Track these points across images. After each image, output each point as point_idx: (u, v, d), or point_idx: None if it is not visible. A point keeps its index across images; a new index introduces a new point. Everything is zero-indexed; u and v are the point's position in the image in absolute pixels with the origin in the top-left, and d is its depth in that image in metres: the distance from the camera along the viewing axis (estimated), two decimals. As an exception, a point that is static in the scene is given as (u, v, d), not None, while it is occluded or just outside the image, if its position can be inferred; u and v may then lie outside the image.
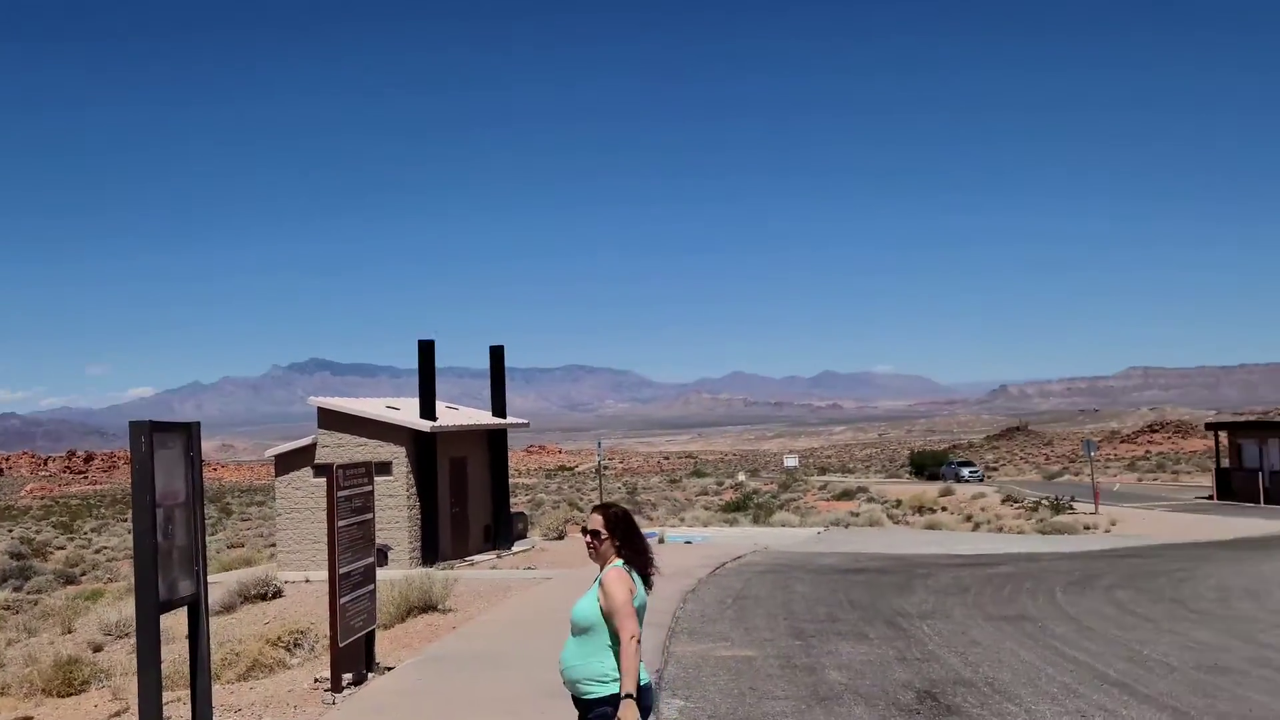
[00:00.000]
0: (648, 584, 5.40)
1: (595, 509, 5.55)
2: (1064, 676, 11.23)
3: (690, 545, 29.66)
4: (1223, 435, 54.98)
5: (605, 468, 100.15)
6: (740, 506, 49.41)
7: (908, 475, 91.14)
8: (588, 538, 5.45)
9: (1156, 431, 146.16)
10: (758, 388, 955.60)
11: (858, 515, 41.54)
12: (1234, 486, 50.37)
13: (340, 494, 11.41)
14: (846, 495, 57.66)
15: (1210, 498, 51.77)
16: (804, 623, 15.42)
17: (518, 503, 55.95)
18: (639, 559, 5.38)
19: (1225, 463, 52.79)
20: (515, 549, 29.69)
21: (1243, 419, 67.96)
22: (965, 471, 78.99)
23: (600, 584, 5.26)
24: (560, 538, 32.70)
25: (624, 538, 5.38)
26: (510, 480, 36.47)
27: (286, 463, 28.13)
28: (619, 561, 5.33)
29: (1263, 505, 45.59)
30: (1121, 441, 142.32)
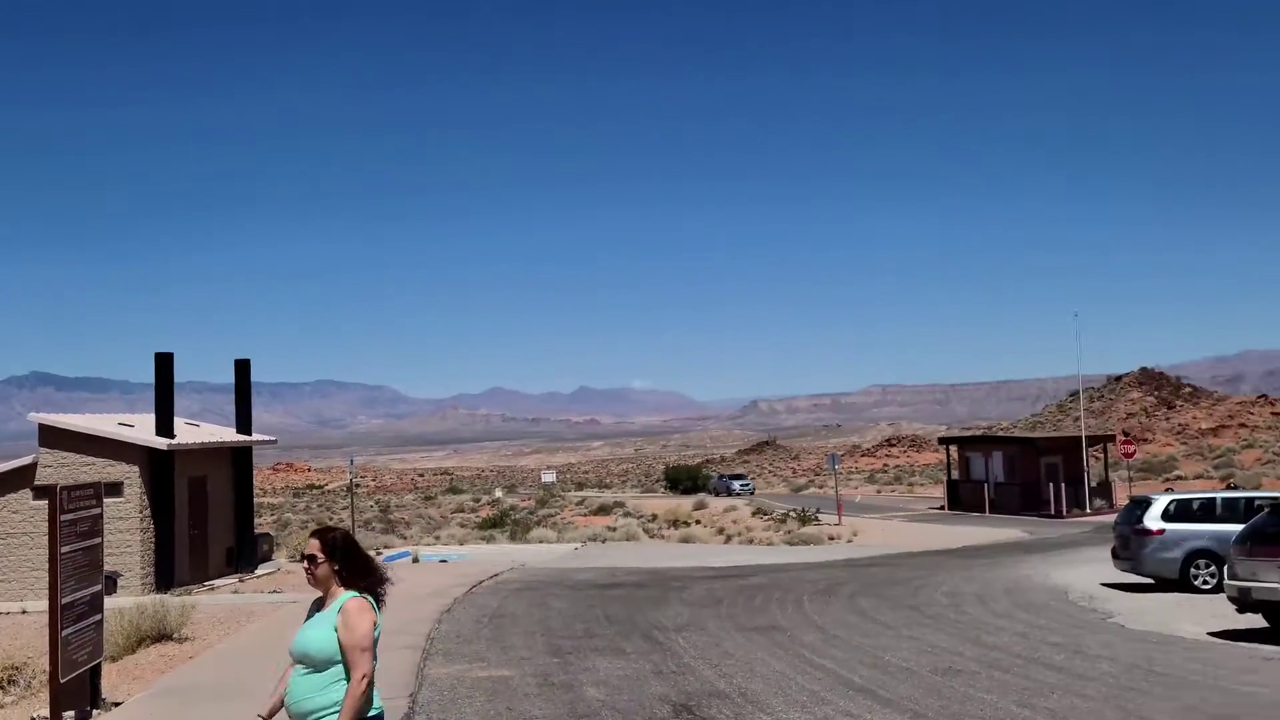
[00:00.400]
0: (380, 603, 5.07)
1: (313, 534, 5.19)
2: (812, 684, 11.52)
3: (446, 564, 29.11)
4: (953, 449, 58.67)
5: (357, 485, 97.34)
6: (497, 523, 48.93)
7: (663, 490, 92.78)
8: (304, 563, 5.08)
9: (894, 445, 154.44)
10: (516, 403, 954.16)
11: (615, 530, 41.87)
12: (962, 497, 53.72)
13: (64, 517, 10.53)
14: (604, 510, 58.10)
15: (942, 508, 54.96)
16: (561, 639, 15.28)
17: (263, 523, 53.52)
18: (367, 580, 5.03)
19: (955, 475, 56.28)
20: (259, 572, 28.37)
21: (970, 434, 72.66)
22: (737, 485, 79.55)
23: (341, 614, 4.89)
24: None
25: (344, 561, 5.01)
26: (255, 500, 34.80)
27: (1, 484, 25.87)
28: (352, 592, 4.98)
29: (988, 514, 48.81)
30: (863, 455, 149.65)
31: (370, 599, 4.99)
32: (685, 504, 60.09)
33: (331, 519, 62.94)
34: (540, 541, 38.15)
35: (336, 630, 4.86)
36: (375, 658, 4.88)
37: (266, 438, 32.96)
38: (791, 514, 45.46)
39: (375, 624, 4.92)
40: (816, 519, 43.54)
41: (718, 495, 76.49)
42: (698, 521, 48.41)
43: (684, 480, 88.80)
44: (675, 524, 47.43)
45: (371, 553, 5.19)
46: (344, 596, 4.96)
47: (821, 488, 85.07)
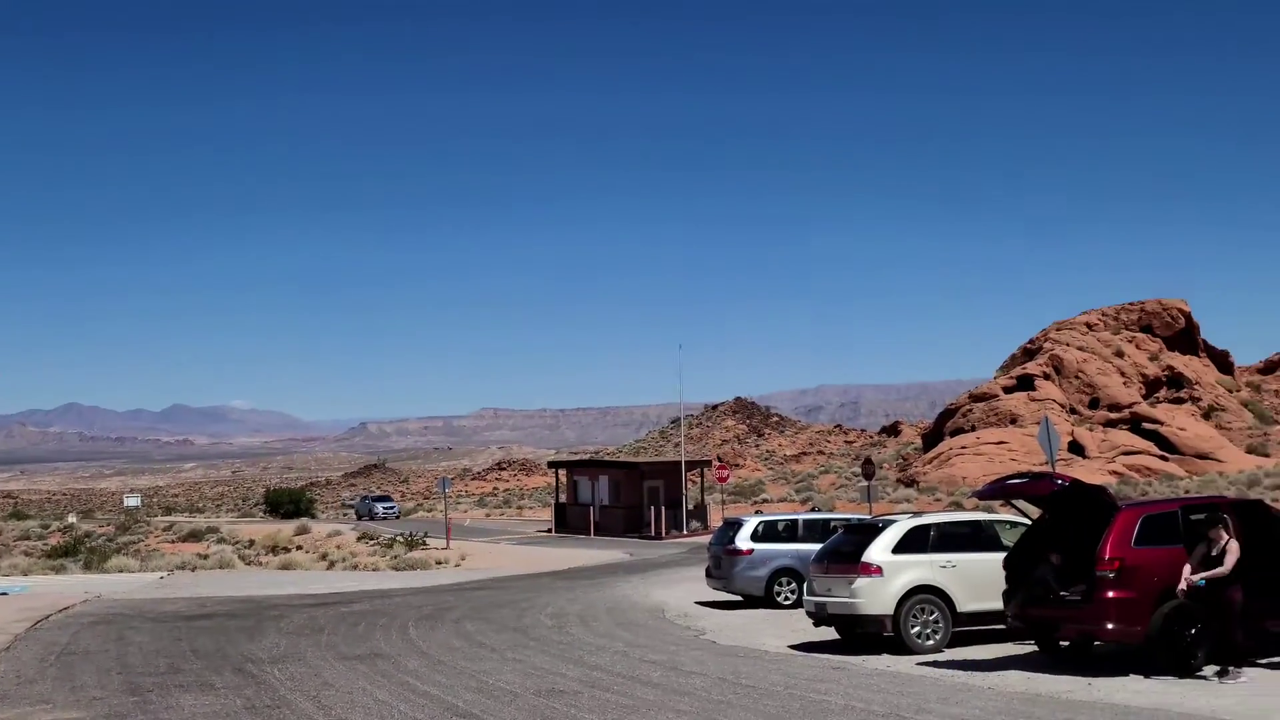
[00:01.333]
0: None
1: None
2: (416, 712, 11.19)
3: (6, 596, 26.03)
4: (562, 473, 60.11)
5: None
6: (70, 551, 44.43)
7: (263, 514, 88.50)
8: None
9: (504, 469, 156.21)
10: (97, 421, 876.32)
11: (207, 558, 39.27)
12: (570, 520, 55.10)
13: None
14: (195, 536, 54.37)
15: (550, 531, 56.07)
16: (141, 676, 13.98)
17: None
18: None
19: (563, 498, 57.66)
20: None
21: (578, 458, 74.81)
22: (380, 507, 76.49)
23: None
24: None
25: None
26: None
27: None
28: None
29: (593, 537, 50.31)
30: (473, 478, 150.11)
31: None
32: (286, 529, 57.45)
33: None
34: (121, 571, 35.03)
35: None
36: None
37: None
38: (399, 538, 44.62)
39: None
40: (425, 543, 42.98)
41: (360, 518, 74.18)
42: (299, 547, 46.40)
43: (285, 504, 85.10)
44: (274, 550, 45.19)
45: None
46: None
47: (431, 511, 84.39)
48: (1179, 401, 68.64)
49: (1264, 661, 12.87)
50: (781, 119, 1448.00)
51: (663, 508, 49.94)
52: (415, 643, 16.92)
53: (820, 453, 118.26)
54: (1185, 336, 76.94)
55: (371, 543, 45.96)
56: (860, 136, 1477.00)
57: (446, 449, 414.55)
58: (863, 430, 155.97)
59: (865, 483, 36.26)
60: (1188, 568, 12.26)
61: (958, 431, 67.75)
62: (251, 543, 47.44)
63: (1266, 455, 60.83)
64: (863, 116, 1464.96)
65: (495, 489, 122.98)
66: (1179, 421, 63.79)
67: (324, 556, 41.54)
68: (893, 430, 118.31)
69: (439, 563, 37.17)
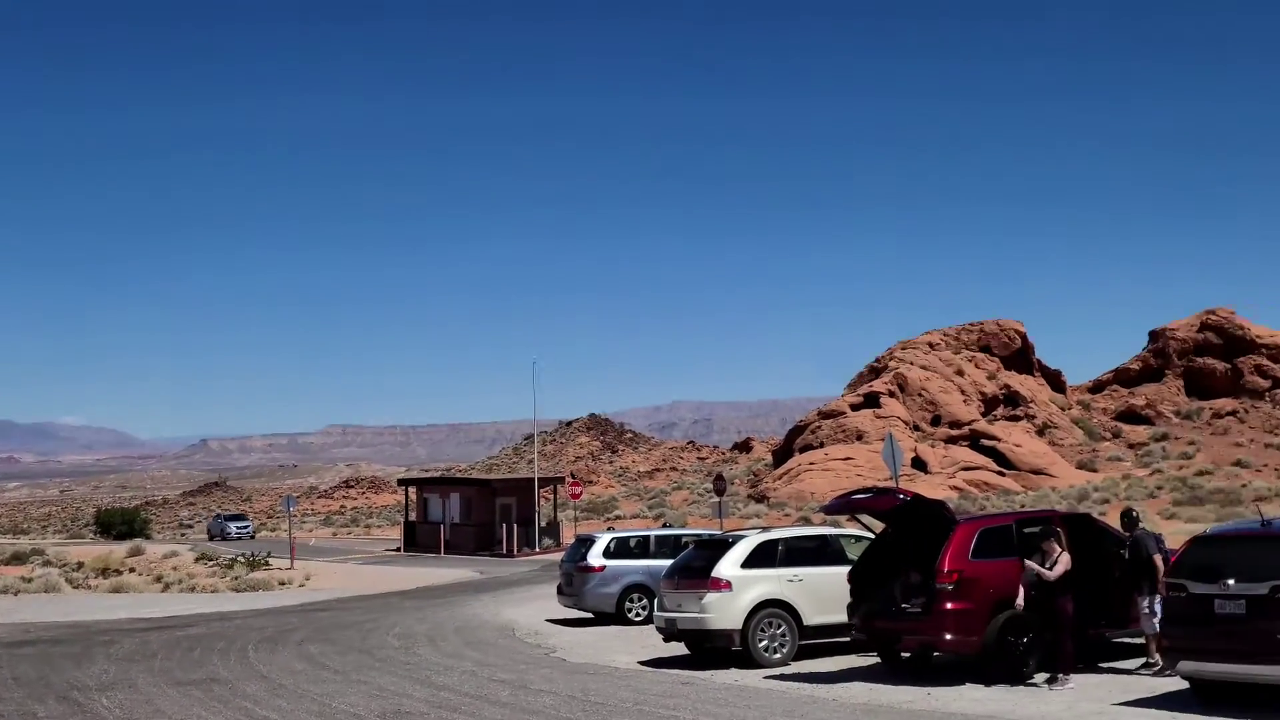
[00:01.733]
0: None
1: None
2: (254, 740, 10.79)
3: None
4: (412, 490, 59.15)
5: None
6: (-119, 576, 41.66)
7: (94, 535, 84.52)
8: None
9: (353, 487, 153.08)
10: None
11: (31, 581, 37.25)
12: (420, 538, 54.22)
13: None
14: (18, 559, 51.56)
15: (399, 549, 55.07)
16: (-48, 710, 13.13)
17: None
18: None
19: (414, 516, 56.73)
20: None
21: (429, 475, 73.78)
22: (234, 527, 73.38)
23: None
24: None
25: None
26: None
27: None
28: None
29: (444, 555, 49.59)
30: (320, 497, 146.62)
31: None
32: (119, 550, 55.00)
33: None
34: (-65, 596, 32.94)
35: None
36: None
37: None
38: (240, 559, 43.17)
39: None
40: (267, 564, 41.69)
41: (213, 538, 71.76)
42: (132, 569, 44.43)
43: (118, 524, 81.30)
44: (105, 572, 43.16)
45: None
46: None
47: (275, 531, 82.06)
48: (1015, 419, 71.66)
49: (1105, 666, 13.50)
50: (612, 123, 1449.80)
51: (515, 525, 49.59)
52: (255, 666, 16.35)
53: (674, 469, 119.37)
54: (1021, 356, 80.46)
55: (211, 564, 44.36)
56: (714, 145, 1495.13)
57: (292, 466, 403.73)
58: (715, 447, 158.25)
59: (717, 499, 36.68)
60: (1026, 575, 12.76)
61: (807, 448, 69.26)
62: (80, 565, 45.23)
63: (1095, 470, 63.92)
64: (717, 123, 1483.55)
65: (343, 507, 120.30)
66: (1015, 438, 66.57)
67: (159, 579, 39.89)
68: (745, 447, 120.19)
69: (282, 583, 36.11)
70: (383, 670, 15.68)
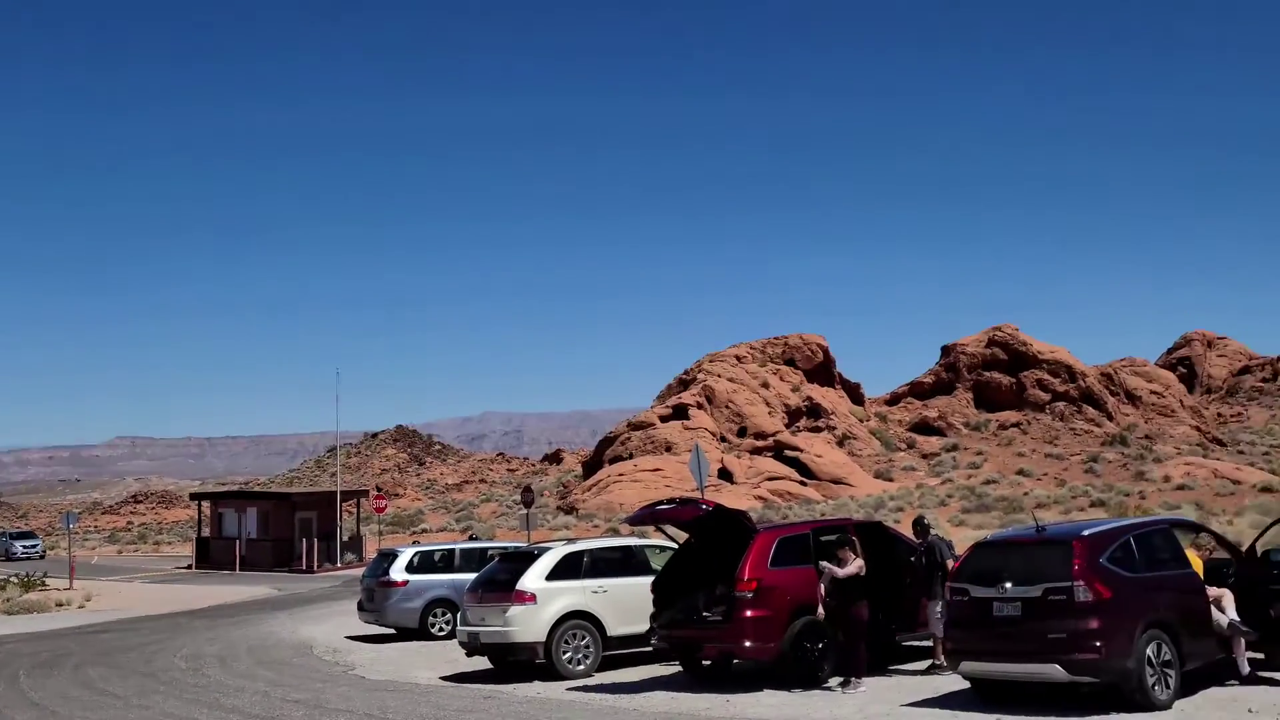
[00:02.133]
0: None
1: None
2: (19, 774, 10.06)
3: None
4: (205, 505, 56.65)
5: None
6: None
7: None
8: None
9: (141, 502, 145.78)
10: None
11: None
12: (214, 555, 51.95)
13: None
14: None
15: (190, 567, 52.67)
16: None
17: None
18: None
19: (207, 531, 54.34)
20: None
21: (224, 489, 70.90)
22: (19, 546, 66.90)
23: None
24: None
25: None
26: None
27: None
28: None
29: (239, 572, 47.66)
30: (104, 513, 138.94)
31: None
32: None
33: None
34: None
35: None
36: None
37: None
38: (12, 579, 40.43)
39: None
40: (44, 584, 39.19)
41: None
42: (-109, 592, 41.09)
43: None
44: None
45: None
46: None
47: (54, 549, 77.26)
48: (817, 430, 74.00)
49: (894, 669, 13.99)
50: (392, 128, 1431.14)
51: (316, 540, 48.13)
52: (26, 693, 15.31)
53: (483, 481, 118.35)
54: (824, 370, 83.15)
55: (-19, 585, 41.41)
56: (511, 151, 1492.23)
57: (75, 481, 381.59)
58: (526, 458, 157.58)
59: (525, 511, 36.51)
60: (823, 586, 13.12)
61: (617, 459, 69.72)
62: None
63: (891, 480, 66.61)
64: (515, 127, 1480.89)
65: (130, 523, 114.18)
66: (817, 449, 68.72)
67: (-79, 602, 36.98)
68: (555, 458, 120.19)
69: (60, 604, 34.00)
70: (168, 694, 14.91)
